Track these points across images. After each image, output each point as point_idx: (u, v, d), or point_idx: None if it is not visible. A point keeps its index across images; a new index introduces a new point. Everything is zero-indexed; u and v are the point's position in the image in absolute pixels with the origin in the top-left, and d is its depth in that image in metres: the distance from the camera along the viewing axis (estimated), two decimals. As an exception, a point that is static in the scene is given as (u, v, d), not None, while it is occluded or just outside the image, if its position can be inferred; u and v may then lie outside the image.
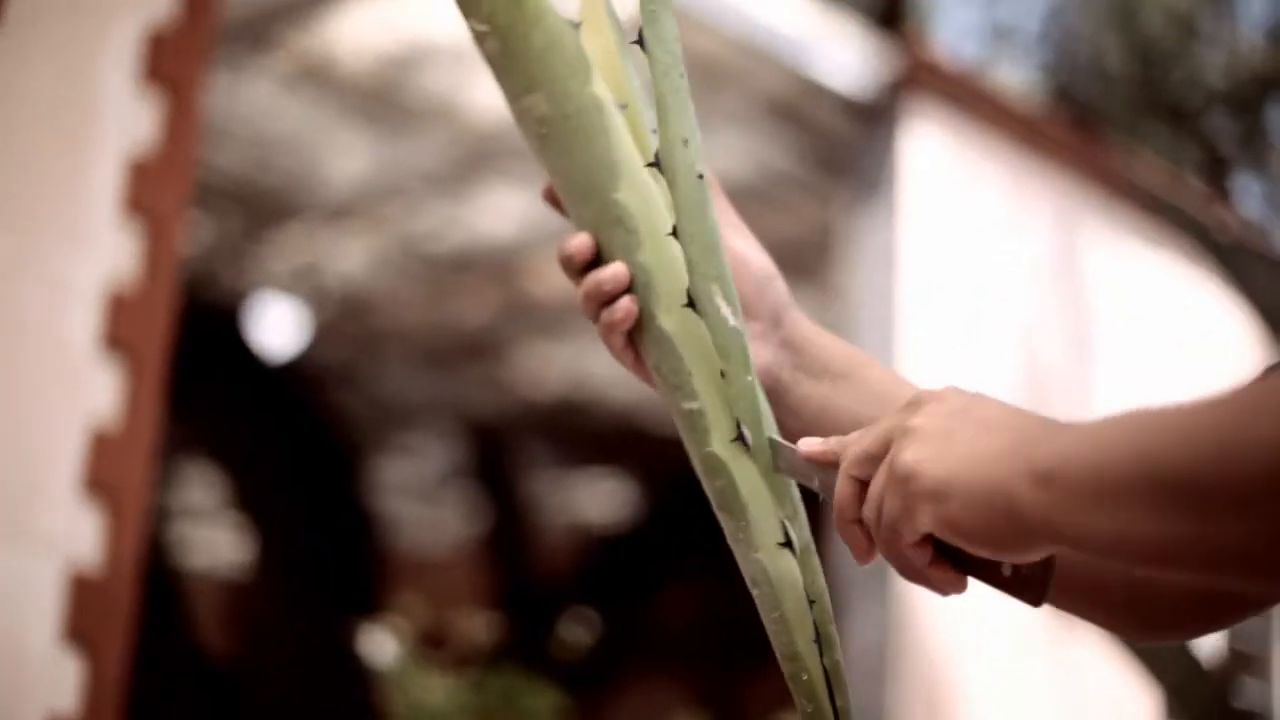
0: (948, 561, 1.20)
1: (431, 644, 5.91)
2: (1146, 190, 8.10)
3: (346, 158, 8.39)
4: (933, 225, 7.46)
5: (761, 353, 1.42)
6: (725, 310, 1.36)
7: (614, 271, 1.37)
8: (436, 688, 5.63)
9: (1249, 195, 17.58)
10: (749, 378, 1.36)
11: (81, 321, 4.08)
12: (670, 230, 1.38)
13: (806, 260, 8.92)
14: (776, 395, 1.43)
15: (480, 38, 1.40)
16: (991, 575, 1.21)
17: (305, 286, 10.03)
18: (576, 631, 6.45)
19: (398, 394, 12.06)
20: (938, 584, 1.21)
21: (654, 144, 1.40)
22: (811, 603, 1.35)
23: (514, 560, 13.83)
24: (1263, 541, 0.96)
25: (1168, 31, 16.20)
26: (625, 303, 1.37)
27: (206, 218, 8.79)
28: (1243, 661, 9.21)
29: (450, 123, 7.96)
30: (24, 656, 3.89)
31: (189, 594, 13.14)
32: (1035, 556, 1.14)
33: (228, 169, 8.35)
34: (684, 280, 1.37)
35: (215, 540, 14.84)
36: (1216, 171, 16.68)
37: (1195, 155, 16.59)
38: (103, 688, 4.03)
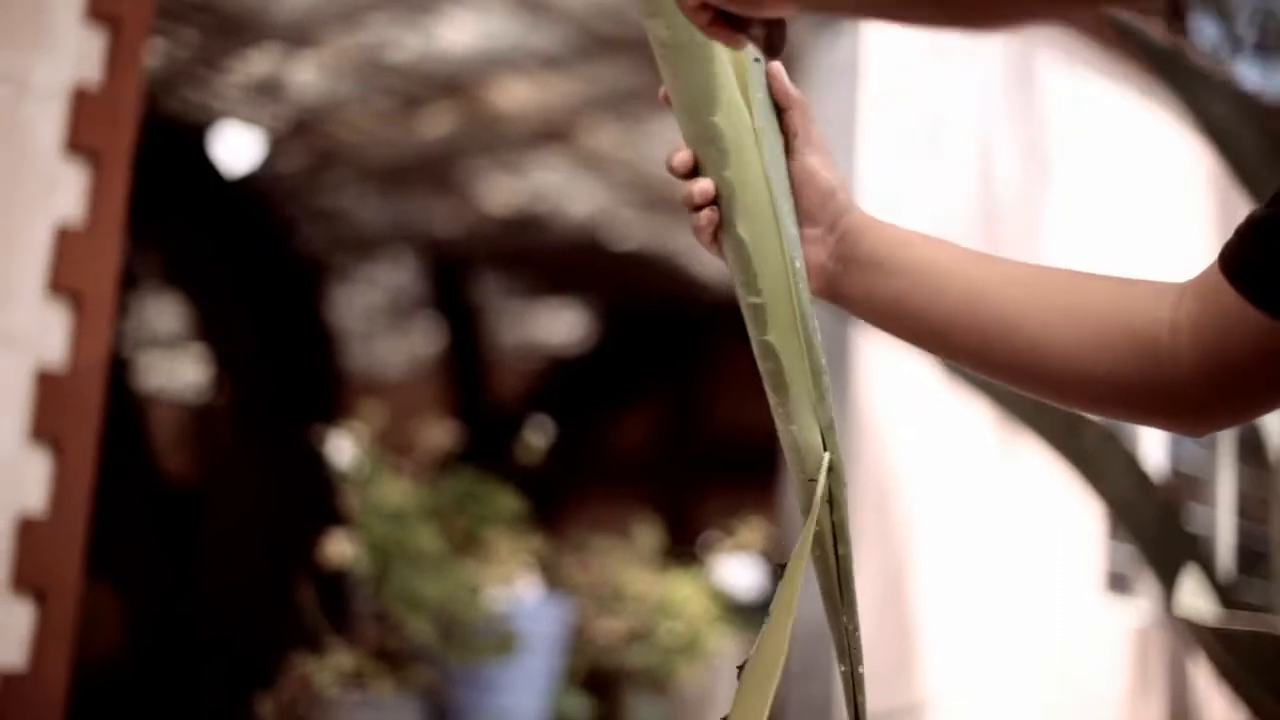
0: (721, 22, 1.42)
1: (392, 450, 5.96)
2: (1104, 15, 8.09)
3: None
4: (893, 43, 7.47)
5: (817, 253, 1.62)
6: (790, 225, 1.60)
7: (702, 187, 1.57)
8: (395, 490, 5.69)
9: (1205, 30, 17.54)
10: (802, 285, 1.59)
11: (47, 123, 4.09)
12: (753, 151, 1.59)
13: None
14: (831, 287, 1.63)
15: (655, 26, 1.57)
16: (745, 31, 1.43)
17: (264, 104, 9.99)
18: (535, 439, 6.52)
19: (357, 214, 12.06)
20: (717, 39, 1.44)
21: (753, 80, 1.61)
22: (830, 470, 1.59)
23: (472, 379, 13.91)
24: None
25: None
26: (707, 212, 1.57)
27: (165, 32, 8.73)
28: (1188, 485, 9.35)
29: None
30: (-8, 454, 3.94)
31: (150, 416, 13.19)
32: (776, 14, 1.38)
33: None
34: (762, 195, 1.58)
35: (175, 362, 14.87)
36: (1174, 4, 16.62)
37: (1154, -14, 16.52)
38: (70, 486, 4.08)
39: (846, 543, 1.61)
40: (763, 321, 1.57)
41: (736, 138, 1.57)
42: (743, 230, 1.57)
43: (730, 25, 1.42)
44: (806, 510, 1.58)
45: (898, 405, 7.25)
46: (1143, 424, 1.57)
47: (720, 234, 1.59)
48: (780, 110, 1.61)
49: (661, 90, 1.61)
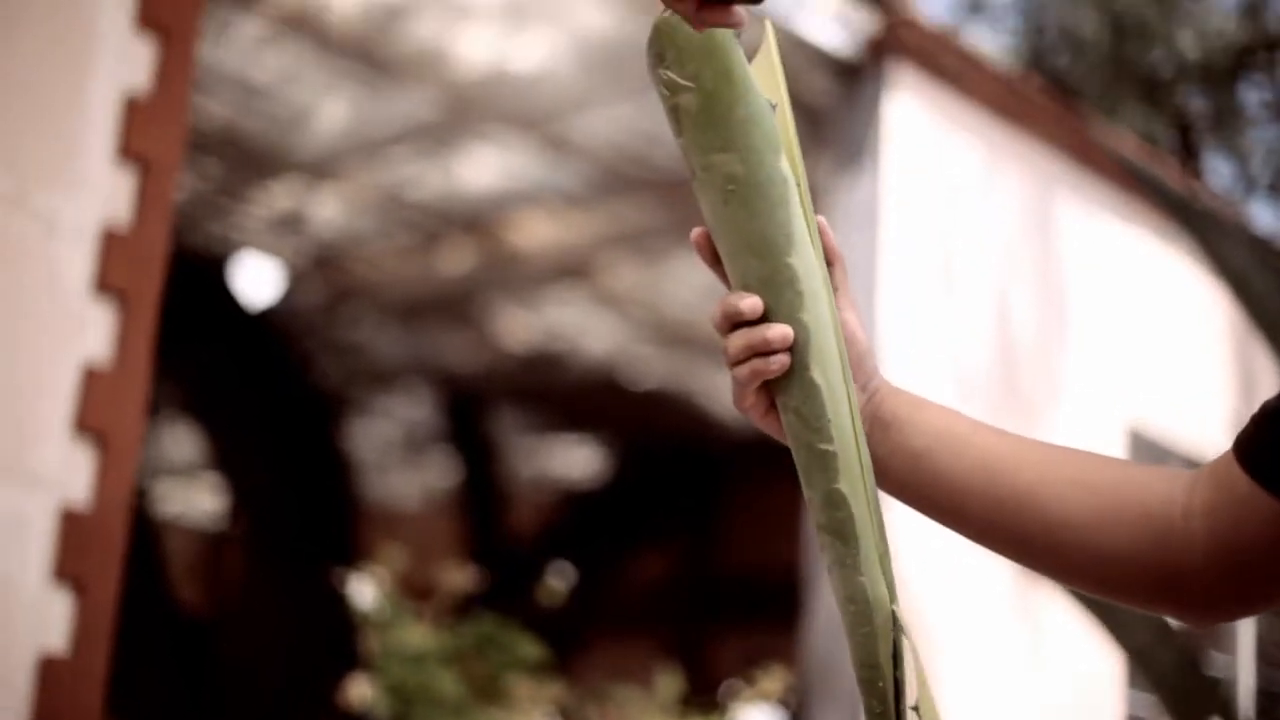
0: (710, 4, 1.46)
1: (411, 593, 5.95)
2: (1121, 159, 8.14)
3: (330, 109, 8.41)
4: (912, 186, 7.51)
5: None
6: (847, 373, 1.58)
7: (782, 332, 1.54)
8: (415, 633, 5.67)
9: (1219, 171, 17.65)
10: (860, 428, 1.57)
11: (76, 262, 4.11)
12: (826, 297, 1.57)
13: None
14: None
15: (677, 89, 1.57)
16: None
17: (285, 236, 10.05)
18: (557, 583, 6.50)
19: (375, 347, 12.09)
20: (712, 20, 1.47)
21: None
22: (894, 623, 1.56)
23: (488, 514, 13.89)
24: None
25: (1142, 4, 16.22)
26: (783, 357, 1.54)
27: (188, 164, 8.80)
28: (1207, 631, 9.30)
29: (434, 75, 7.99)
30: (15, 594, 3.93)
31: (166, 544, 13.17)
32: None
33: (212, 116, 8.37)
34: (832, 340, 1.56)
35: (191, 491, 14.86)
36: (1188, 146, 16.74)
37: (1167, 128, 16.64)
38: (92, 625, 4.07)
39: (904, 698, 1.55)
40: (834, 469, 1.54)
41: (811, 280, 1.55)
42: (817, 375, 1.54)
43: (718, 2, 1.45)
44: (867, 665, 1.56)
45: (917, 553, 7.23)
46: (1150, 609, 1.56)
47: (782, 381, 1.55)
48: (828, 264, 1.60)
49: (697, 231, 1.60)
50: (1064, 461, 1.54)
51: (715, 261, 1.60)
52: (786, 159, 1.58)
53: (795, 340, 1.54)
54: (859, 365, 1.61)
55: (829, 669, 6.90)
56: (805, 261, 1.55)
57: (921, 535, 7.47)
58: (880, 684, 1.55)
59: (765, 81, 1.67)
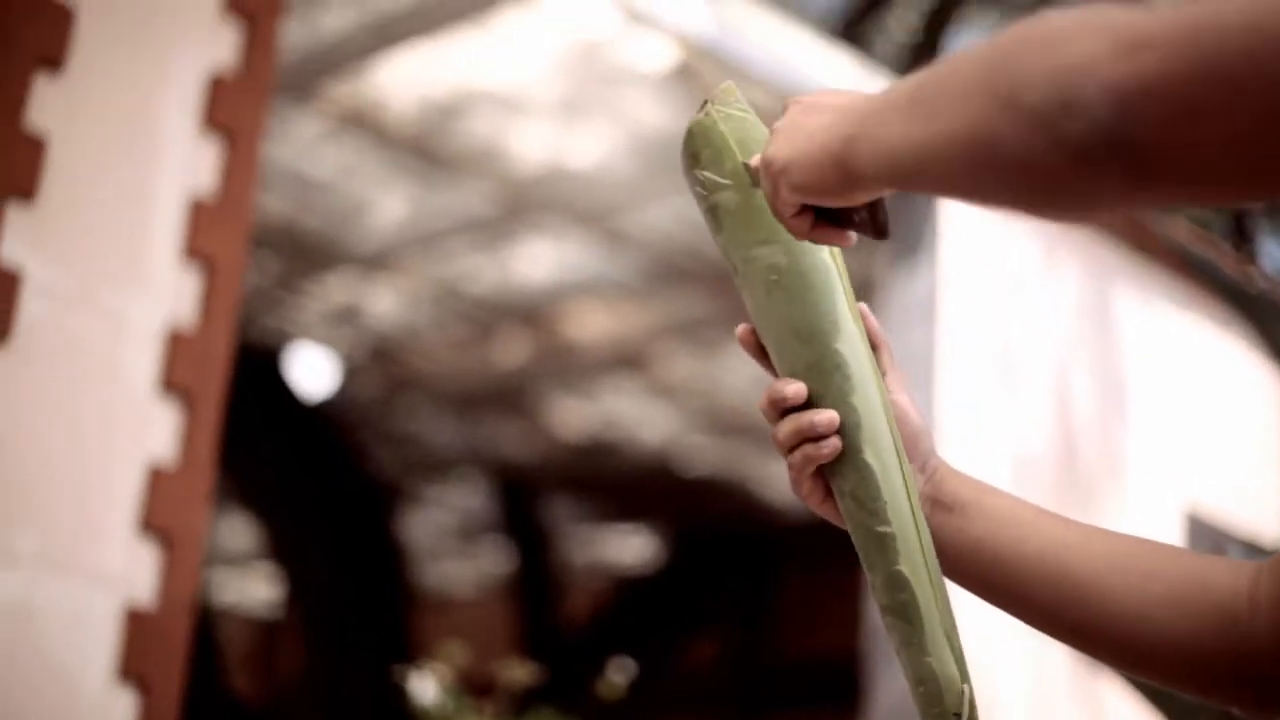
0: (824, 222, 1.47)
1: (469, 686, 5.94)
2: (1177, 246, 8.13)
3: (387, 203, 8.47)
4: (969, 278, 7.52)
5: None
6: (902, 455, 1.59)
7: (829, 416, 1.55)
8: (477, 729, 5.67)
9: (1273, 254, 17.61)
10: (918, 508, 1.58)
11: (141, 361, 4.15)
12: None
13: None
14: None
15: (715, 188, 1.60)
16: (851, 223, 1.48)
17: (341, 328, 10.11)
18: (616, 677, 6.49)
19: (430, 439, 12.13)
20: (824, 240, 1.49)
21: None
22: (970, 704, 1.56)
23: (542, 603, 13.88)
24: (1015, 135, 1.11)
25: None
26: (834, 441, 1.56)
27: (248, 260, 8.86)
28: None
29: (490, 170, 8.04)
30: (79, 694, 3.95)
31: (223, 634, 13.20)
32: (871, 197, 1.40)
33: (270, 213, 8.43)
34: (884, 422, 1.58)
35: (248, 580, 14.90)
36: (1242, 230, 16.70)
37: (1221, 214, 16.61)
38: (155, 724, 4.08)
39: None
40: (894, 551, 1.55)
41: (859, 364, 1.57)
42: (870, 457, 1.55)
43: (833, 223, 1.47)
44: None
45: (975, 640, 7.20)
46: (1215, 701, 1.54)
47: (835, 465, 1.56)
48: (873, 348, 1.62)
49: (742, 327, 1.63)
50: (1129, 551, 1.53)
51: (761, 355, 1.63)
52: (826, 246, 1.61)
53: (845, 424, 1.56)
54: (914, 446, 1.62)
55: (894, 757, 6.86)
56: (851, 346, 1.58)
57: (980, 622, 7.45)
58: None
59: None
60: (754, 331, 1.62)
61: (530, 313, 9.63)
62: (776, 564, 13.73)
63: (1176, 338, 8.73)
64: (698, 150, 1.61)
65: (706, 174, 1.59)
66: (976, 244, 7.62)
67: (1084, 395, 8.07)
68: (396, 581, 12.40)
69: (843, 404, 1.56)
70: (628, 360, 10.18)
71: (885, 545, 1.55)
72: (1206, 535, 8.42)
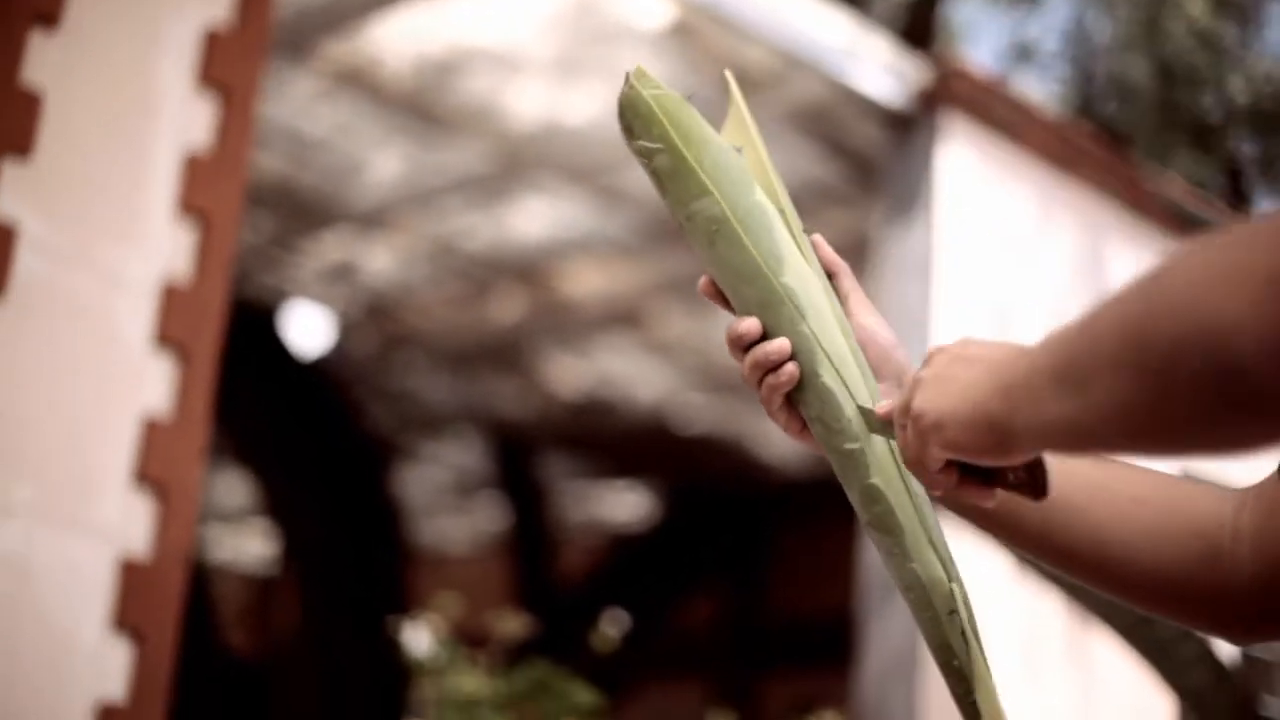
0: (970, 478, 1.45)
1: (464, 639, 5.98)
2: (1173, 205, 8.14)
3: (383, 161, 8.48)
4: (964, 235, 7.54)
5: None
6: (868, 371, 1.64)
7: (779, 345, 1.60)
8: (469, 680, 5.70)
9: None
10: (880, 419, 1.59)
11: (136, 316, 4.17)
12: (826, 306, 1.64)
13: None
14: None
15: (650, 154, 1.68)
16: (1002, 482, 1.46)
17: (337, 287, 10.12)
18: (610, 630, 6.53)
19: (425, 396, 12.15)
20: (970, 498, 1.47)
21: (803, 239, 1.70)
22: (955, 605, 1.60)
23: (538, 560, 13.91)
24: (1173, 404, 1.11)
25: (1192, 50, 16.21)
26: (790, 368, 1.60)
27: (244, 217, 8.87)
28: (1260, 670, 9.26)
29: (486, 128, 8.05)
30: (75, 644, 3.98)
31: (219, 590, 13.23)
32: (1025, 458, 1.37)
33: (266, 170, 8.44)
34: (842, 342, 1.62)
35: (244, 536, 14.94)
36: (1238, 190, 16.70)
37: (1217, 174, 16.62)
38: (150, 676, 4.11)
39: (986, 674, 1.61)
40: (864, 466, 1.58)
41: (808, 293, 1.62)
42: (829, 379, 1.59)
43: (981, 479, 1.46)
44: (938, 647, 1.60)
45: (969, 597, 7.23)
46: (1194, 627, 1.59)
47: (799, 392, 1.61)
48: (829, 276, 1.68)
49: (703, 280, 1.69)
50: (1119, 477, 1.56)
51: (724, 302, 1.67)
52: (763, 192, 1.68)
53: (799, 351, 1.60)
54: (884, 363, 1.64)
55: (882, 713, 6.90)
56: (798, 278, 1.63)
57: (971, 582, 7.48)
58: (956, 663, 1.59)
59: (739, 130, 1.80)
60: (713, 282, 1.68)
61: (526, 270, 9.64)
62: (771, 522, 13.76)
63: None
64: (630, 123, 1.69)
65: (640, 143, 1.67)
66: (972, 201, 7.63)
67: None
68: (392, 538, 12.43)
69: (794, 333, 1.61)
70: (623, 318, 10.20)
71: (856, 461, 1.58)
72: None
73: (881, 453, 1.58)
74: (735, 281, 1.64)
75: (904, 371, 1.65)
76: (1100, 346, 1.19)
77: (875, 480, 1.58)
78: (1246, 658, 9.15)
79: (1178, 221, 8.26)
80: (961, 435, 1.35)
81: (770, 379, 1.61)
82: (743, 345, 1.62)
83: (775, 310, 1.61)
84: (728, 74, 1.86)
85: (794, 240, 1.66)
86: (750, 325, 1.61)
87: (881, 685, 6.91)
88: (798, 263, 1.64)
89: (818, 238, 1.68)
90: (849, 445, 1.58)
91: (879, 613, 6.91)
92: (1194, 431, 1.12)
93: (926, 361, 1.44)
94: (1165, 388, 1.10)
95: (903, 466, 1.57)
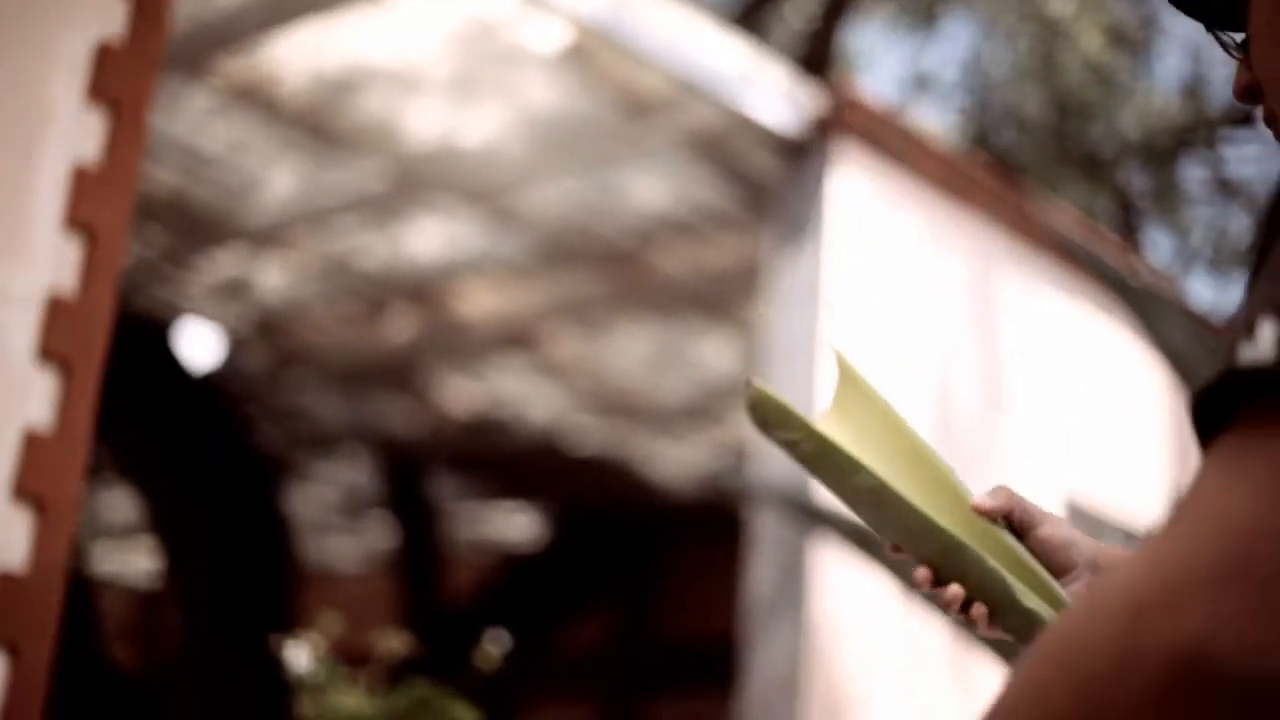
0: None
1: (347, 658, 5.96)
2: (1062, 236, 8.23)
3: (278, 178, 8.45)
4: (854, 264, 7.59)
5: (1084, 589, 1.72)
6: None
7: (954, 592, 1.69)
8: (350, 699, 5.68)
9: (1159, 246, 17.81)
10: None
11: (20, 330, 4.14)
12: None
13: (730, 295, 9.04)
14: None
15: (794, 443, 1.75)
16: None
17: (230, 303, 10.07)
18: (493, 647, 6.52)
19: (317, 414, 12.10)
20: None
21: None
22: None
23: (426, 580, 13.86)
24: None
25: (1085, 83, 16.39)
26: (978, 608, 1.70)
27: (133, 229, 8.81)
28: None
29: (382, 147, 8.04)
30: (-49, 657, 3.94)
31: (103, 604, 13.11)
32: None
33: (160, 185, 8.40)
34: (1028, 566, 1.72)
35: (129, 552, 14.82)
36: (1129, 222, 16.89)
37: (1108, 205, 16.79)
38: (26, 691, 4.08)
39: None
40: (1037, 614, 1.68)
41: (973, 532, 1.72)
42: (1029, 602, 1.69)
43: None
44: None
45: (853, 620, 7.27)
46: None
47: (1002, 617, 1.70)
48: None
49: (888, 545, 1.76)
50: None
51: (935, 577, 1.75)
52: (907, 441, 1.78)
53: (994, 583, 1.70)
54: (1070, 559, 1.74)
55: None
56: (966, 520, 1.73)
57: (857, 603, 7.52)
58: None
59: (854, 399, 1.87)
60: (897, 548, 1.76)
61: (420, 290, 9.63)
62: (660, 545, 13.79)
63: (1060, 325, 8.83)
64: (763, 417, 1.75)
65: (782, 434, 1.73)
66: (863, 228, 7.69)
67: (967, 380, 8.16)
68: (280, 556, 12.36)
69: (984, 571, 1.70)
70: (516, 339, 10.20)
71: (1032, 620, 1.68)
72: (1084, 523, 8.51)
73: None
74: (912, 540, 1.73)
75: (1090, 556, 1.74)
76: None
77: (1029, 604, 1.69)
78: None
79: (1068, 252, 8.35)
80: None
81: (970, 615, 1.70)
82: (927, 588, 1.72)
83: (959, 555, 1.71)
84: (837, 350, 1.94)
85: (947, 481, 1.76)
86: (923, 576, 1.71)
87: (765, 707, 6.94)
88: (955, 507, 1.74)
89: (1005, 487, 1.75)
90: (1028, 604, 1.69)
91: (763, 637, 6.95)
92: None
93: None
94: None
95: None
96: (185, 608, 11.67)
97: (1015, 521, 1.74)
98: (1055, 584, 1.70)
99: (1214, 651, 0.97)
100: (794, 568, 7.01)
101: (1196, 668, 0.97)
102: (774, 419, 1.74)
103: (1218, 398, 1.05)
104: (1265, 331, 1.02)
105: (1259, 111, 1.42)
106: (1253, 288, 1.09)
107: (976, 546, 1.70)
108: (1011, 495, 1.74)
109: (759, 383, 1.73)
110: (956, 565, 1.71)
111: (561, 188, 8.24)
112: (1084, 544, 1.74)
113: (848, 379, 1.88)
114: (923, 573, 1.70)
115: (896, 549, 1.75)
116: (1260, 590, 0.96)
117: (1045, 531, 1.74)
